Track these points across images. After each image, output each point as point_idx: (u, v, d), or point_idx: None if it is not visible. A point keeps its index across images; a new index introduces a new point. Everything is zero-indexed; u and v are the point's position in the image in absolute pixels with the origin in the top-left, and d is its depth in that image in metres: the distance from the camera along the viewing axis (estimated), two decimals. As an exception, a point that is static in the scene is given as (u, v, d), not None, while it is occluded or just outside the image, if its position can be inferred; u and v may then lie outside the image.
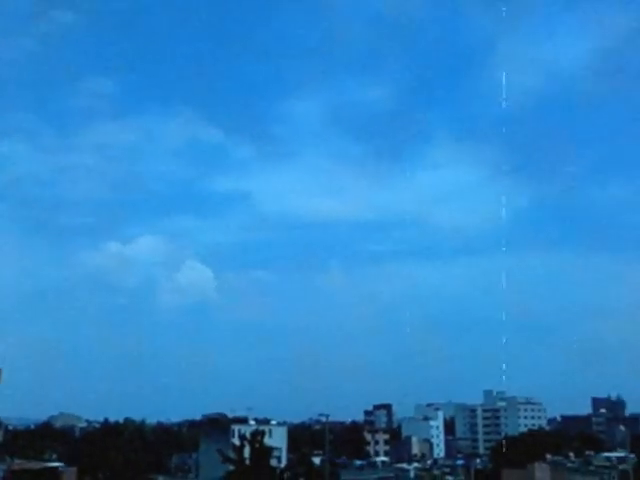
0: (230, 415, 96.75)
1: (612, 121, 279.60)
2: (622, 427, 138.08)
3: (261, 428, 58.74)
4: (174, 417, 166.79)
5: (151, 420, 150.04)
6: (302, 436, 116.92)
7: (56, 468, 79.23)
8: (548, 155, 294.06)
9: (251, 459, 49.73)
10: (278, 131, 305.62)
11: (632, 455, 64.74)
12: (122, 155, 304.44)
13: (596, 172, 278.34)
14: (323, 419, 63.60)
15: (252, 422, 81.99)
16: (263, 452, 50.94)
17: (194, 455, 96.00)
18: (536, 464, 61.27)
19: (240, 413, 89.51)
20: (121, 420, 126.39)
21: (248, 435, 52.42)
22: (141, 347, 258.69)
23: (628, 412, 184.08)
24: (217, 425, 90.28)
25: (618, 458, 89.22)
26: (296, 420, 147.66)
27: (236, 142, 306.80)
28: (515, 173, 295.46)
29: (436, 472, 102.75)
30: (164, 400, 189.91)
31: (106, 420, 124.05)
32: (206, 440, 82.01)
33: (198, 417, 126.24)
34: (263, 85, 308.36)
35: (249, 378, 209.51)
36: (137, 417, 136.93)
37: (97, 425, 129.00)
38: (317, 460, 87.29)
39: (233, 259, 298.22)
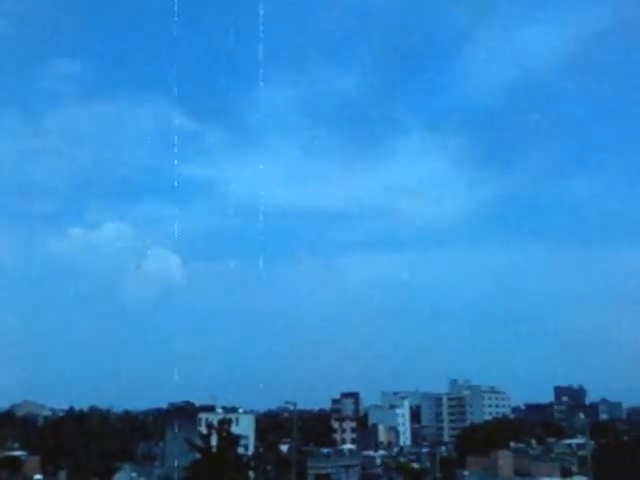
0: (197, 403, 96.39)
1: (580, 115, 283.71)
2: (582, 415, 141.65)
3: (228, 416, 58.72)
4: (141, 405, 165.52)
5: (117, 408, 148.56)
6: (270, 424, 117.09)
7: (18, 457, 78.22)
8: (516, 147, 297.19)
9: (218, 447, 49.72)
10: (248, 119, 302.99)
11: (591, 442, 66.44)
12: (89, 140, 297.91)
13: (563, 165, 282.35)
14: (290, 407, 63.76)
15: (219, 410, 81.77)
16: (230, 440, 50.97)
17: (161, 443, 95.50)
18: (499, 452, 62.38)
19: (207, 401, 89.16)
20: (86, 408, 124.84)
21: (215, 423, 52.39)
22: (107, 335, 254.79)
23: (588, 400, 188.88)
24: (184, 413, 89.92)
25: (578, 445, 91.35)
26: (264, 408, 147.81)
27: (205, 129, 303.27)
28: (484, 165, 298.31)
29: (402, 459, 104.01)
30: (130, 388, 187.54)
31: (71, 408, 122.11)
32: (173, 428, 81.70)
33: (165, 405, 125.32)
34: (235, 72, 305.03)
35: (216, 366, 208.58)
36: (103, 405, 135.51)
37: (61, 413, 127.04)
38: (284, 448, 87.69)
39: (201, 247, 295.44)
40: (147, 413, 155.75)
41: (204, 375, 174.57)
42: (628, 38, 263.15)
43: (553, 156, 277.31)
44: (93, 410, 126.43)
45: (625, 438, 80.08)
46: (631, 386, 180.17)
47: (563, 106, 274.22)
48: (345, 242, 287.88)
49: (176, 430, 79.05)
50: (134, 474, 73.36)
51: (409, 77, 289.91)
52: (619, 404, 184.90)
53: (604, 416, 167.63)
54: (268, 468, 70.47)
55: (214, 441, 50.28)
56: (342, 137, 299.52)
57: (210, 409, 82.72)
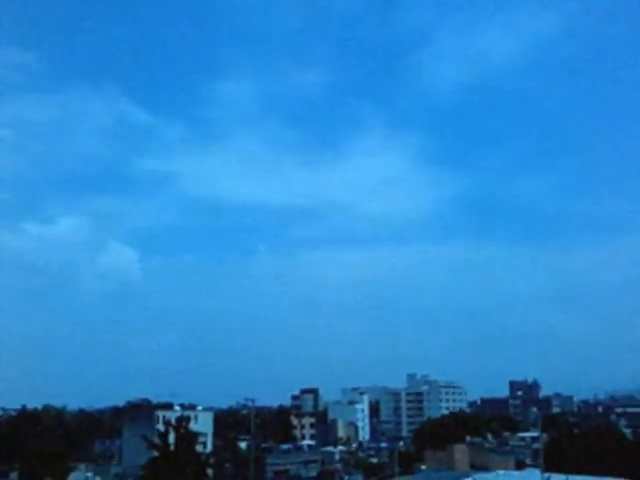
0: (155, 401, 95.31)
1: (535, 115, 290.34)
2: (535, 409, 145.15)
3: (186, 414, 58.21)
4: (97, 403, 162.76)
5: (72, 407, 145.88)
6: (229, 421, 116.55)
7: (-32, 458, 75.92)
8: (475, 146, 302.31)
9: (176, 445, 49.25)
10: (209, 113, 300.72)
11: (544, 434, 68.07)
12: (43, 131, 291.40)
13: (520, 164, 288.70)
14: (250, 404, 63.57)
15: (177, 408, 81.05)
16: (188, 438, 50.52)
17: (117, 442, 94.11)
18: (455, 446, 63.37)
19: (165, 399, 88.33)
20: (40, 407, 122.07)
21: (173, 421, 51.85)
22: (62, 331, 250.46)
23: (542, 394, 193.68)
24: (141, 411, 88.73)
25: (532, 437, 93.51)
26: (223, 405, 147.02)
27: (165, 123, 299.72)
28: (443, 163, 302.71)
29: (361, 455, 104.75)
30: (86, 386, 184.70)
31: (23, 407, 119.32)
32: (130, 426, 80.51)
33: (122, 403, 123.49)
34: (195, 66, 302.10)
35: (175, 363, 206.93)
36: (57, 404, 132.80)
37: (13, 413, 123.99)
38: (244, 445, 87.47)
39: (159, 242, 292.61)
40: (103, 411, 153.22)
41: (162, 372, 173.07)
42: (579, 41, 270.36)
43: (510, 155, 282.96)
44: (47, 409, 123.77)
45: (576, 430, 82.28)
46: (582, 380, 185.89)
47: (519, 106, 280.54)
48: (305, 238, 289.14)
49: (133, 428, 77.96)
50: (89, 474, 72.08)
51: (370, 75, 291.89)
52: (570, 397, 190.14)
53: (556, 409, 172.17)
54: (227, 465, 70.14)
55: (172, 439, 49.79)
56: (303, 133, 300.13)
57: (168, 406, 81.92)
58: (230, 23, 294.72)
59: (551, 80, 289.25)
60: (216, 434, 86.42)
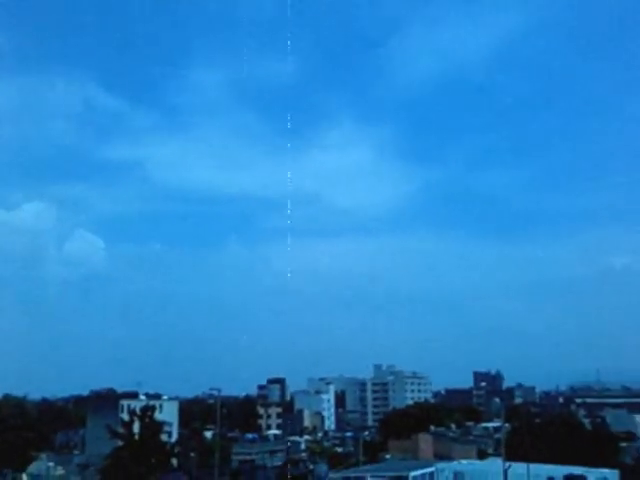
0: (119, 390, 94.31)
1: (504, 110, 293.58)
2: (497, 399, 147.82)
3: (152, 403, 57.84)
4: (60, 393, 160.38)
5: (35, 396, 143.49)
6: (195, 411, 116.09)
7: None
8: (444, 139, 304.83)
9: (140, 434, 48.91)
10: (178, 101, 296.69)
11: (506, 424, 69.34)
12: (6, 116, 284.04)
13: (487, 158, 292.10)
14: (216, 393, 63.28)
15: (142, 397, 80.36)
16: (153, 427, 50.25)
17: (80, 431, 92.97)
18: (420, 435, 64.28)
19: (130, 388, 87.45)
20: (0, 397, 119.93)
21: (138, 410, 51.46)
22: (25, 319, 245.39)
23: (505, 385, 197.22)
24: (105, 400, 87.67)
25: (494, 428, 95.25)
26: (189, 395, 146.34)
27: (133, 109, 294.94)
28: (412, 156, 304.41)
29: (326, 444, 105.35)
30: (49, 375, 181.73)
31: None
32: (93, 416, 79.57)
33: (86, 392, 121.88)
34: (164, 53, 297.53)
35: (140, 353, 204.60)
36: (18, 393, 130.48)
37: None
38: (209, 434, 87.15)
39: (127, 230, 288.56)
40: (67, 401, 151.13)
41: (128, 361, 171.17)
42: (550, 37, 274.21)
43: (478, 148, 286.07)
44: (7, 398, 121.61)
45: (537, 420, 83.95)
46: (544, 371, 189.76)
47: (489, 100, 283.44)
48: (273, 229, 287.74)
49: (97, 418, 77.05)
50: (51, 463, 71.01)
51: (341, 67, 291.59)
52: (533, 388, 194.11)
53: (519, 400, 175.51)
54: (192, 455, 69.81)
55: (137, 428, 49.42)
56: (273, 123, 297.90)
57: (133, 396, 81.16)
58: (201, 11, 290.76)
59: (520, 74, 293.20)
60: (181, 423, 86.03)
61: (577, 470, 40.53)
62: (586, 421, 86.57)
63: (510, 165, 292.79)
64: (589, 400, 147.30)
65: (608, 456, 56.86)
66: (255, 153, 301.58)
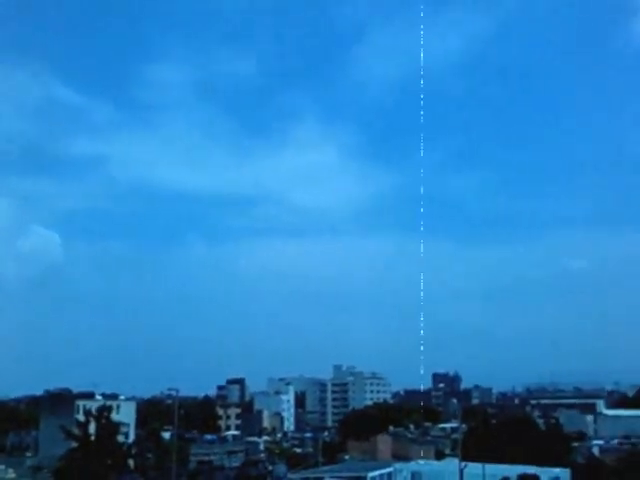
0: (75, 390, 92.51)
1: (467, 115, 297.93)
2: (455, 400, 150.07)
3: (108, 403, 56.85)
4: (12, 392, 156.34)
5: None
6: (152, 411, 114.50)
7: None
8: (408, 142, 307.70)
9: (96, 435, 48.07)
10: (142, 97, 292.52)
11: (463, 425, 70.34)
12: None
13: (449, 162, 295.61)
14: (173, 394, 62.46)
15: (99, 397, 78.90)
16: (109, 428, 49.43)
17: (33, 432, 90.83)
18: (379, 436, 64.78)
19: (86, 388, 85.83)
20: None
21: (94, 411, 50.57)
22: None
23: (463, 386, 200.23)
24: (60, 400, 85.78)
25: (452, 428, 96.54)
26: (147, 395, 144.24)
27: (96, 104, 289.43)
28: (376, 157, 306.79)
29: (285, 445, 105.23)
30: (1, 375, 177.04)
31: None
32: (48, 416, 77.74)
33: (39, 392, 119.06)
34: (129, 48, 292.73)
35: (97, 352, 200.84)
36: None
37: None
38: (167, 435, 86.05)
39: (85, 227, 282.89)
40: (19, 401, 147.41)
41: (84, 361, 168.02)
42: (513, 43, 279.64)
43: (440, 152, 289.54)
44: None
45: (493, 421, 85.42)
46: (501, 373, 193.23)
47: (452, 104, 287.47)
48: (236, 228, 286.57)
49: (51, 418, 75.35)
50: (2, 466, 69.18)
51: (308, 67, 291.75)
52: (490, 390, 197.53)
53: (476, 401, 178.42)
54: (149, 456, 68.86)
55: (93, 429, 48.54)
56: (238, 121, 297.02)
57: (89, 396, 79.68)
58: (166, 6, 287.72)
59: (482, 80, 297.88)
60: (139, 424, 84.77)
61: (531, 469, 41.39)
62: (540, 422, 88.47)
63: (470, 169, 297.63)
64: (544, 401, 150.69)
65: (561, 455, 58.23)
66: (219, 151, 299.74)
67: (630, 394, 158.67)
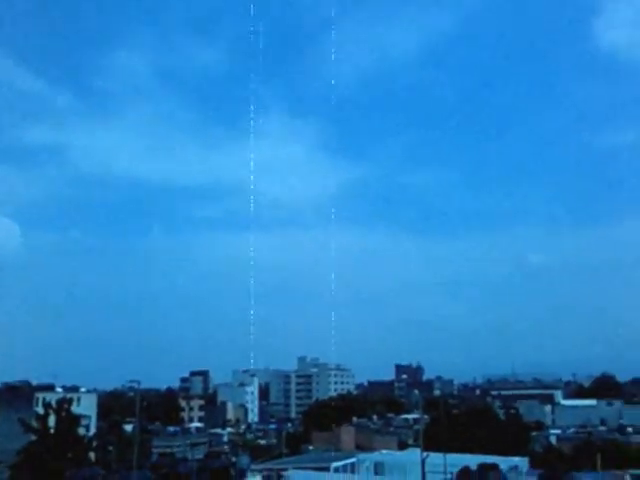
0: (34, 382, 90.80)
1: (432, 109, 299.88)
2: (416, 391, 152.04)
3: (69, 396, 55.97)
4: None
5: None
6: (114, 403, 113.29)
7: None
8: (373, 135, 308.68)
9: (56, 428, 47.29)
10: (103, 85, 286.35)
11: (425, 416, 71.31)
12: None
13: (413, 156, 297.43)
14: (135, 385, 61.87)
15: (59, 390, 77.55)
16: (70, 421, 48.68)
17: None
18: (342, 427, 65.19)
19: (46, 380, 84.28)
20: None
21: (54, 403, 49.73)
22: None
23: (425, 378, 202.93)
24: (18, 393, 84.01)
25: (414, 419, 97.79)
26: (109, 387, 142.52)
27: (55, 91, 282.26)
28: (342, 151, 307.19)
29: (249, 436, 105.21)
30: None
31: None
32: (5, 409, 75.82)
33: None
34: (90, 34, 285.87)
35: (58, 344, 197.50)
36: None
37: None
38: (129, 428, 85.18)
39: (45, 217, 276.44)
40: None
41: (44, 353, 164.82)
42: (478, 39, 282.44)
43: (405, 147, 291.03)
44: None
45: (455, 412, 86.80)
46: (461, 364, 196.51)
47: (418, 99, 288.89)
48: (201, 219, 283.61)
49: (9, 411, 73.76)
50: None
51: (274, 59, 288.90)
52: (451, 381, 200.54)
53: (438, 392, 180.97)
54: (110, 448, 68.10)
55: (52, 422, 47.73)
56: (203, 112, 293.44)
57: (49, 388, 78.22)
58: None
59: (447, 76, 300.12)
60: (100, 417, 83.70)
61: (491, 459, 42.17)
62: (501, 412, 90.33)
63: (435, 163, 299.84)
64: (504, 392, 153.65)
65: (520, 445, 59.60)
66: (184, 141, 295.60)
67: (586, 385, 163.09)
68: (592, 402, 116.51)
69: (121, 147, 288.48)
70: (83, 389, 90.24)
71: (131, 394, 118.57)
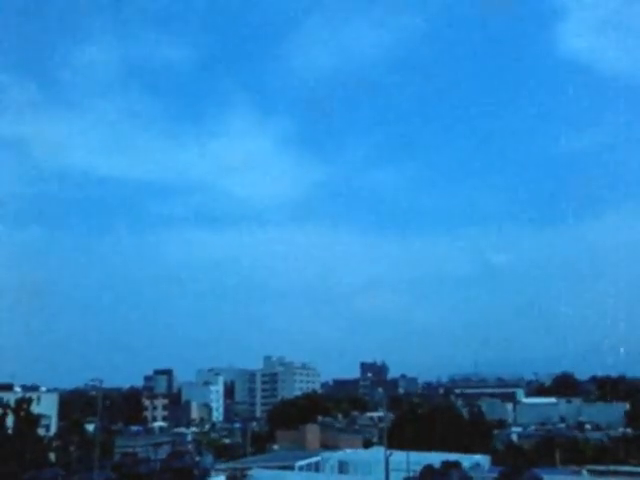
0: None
1: (399, 109, 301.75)
2: (380, 389, 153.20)
3: (28, 395, 54.84)
4: None
5: None
6: (76, 403, 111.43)
7: None
8: (341, 134, 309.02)
9: (15, 429, 46.34)
10: (65, 77, 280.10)
11: (390, 414, 71.90)
12: None
13: (379, 155, 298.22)
14: (97, 384, 60.92)
15: (18, 389, 75.84)
16: (29, 421, 47.75)
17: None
18: (307, 425, 65.16)
19: (3, 380, 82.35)
20: None
21: (12, 403, 48.70)
22: None
23: (390, 376, 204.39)
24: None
25: (379, 417, 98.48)
26: (70, 386, 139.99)
27: (14, 83, 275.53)
28: (309, 149, 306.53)
29: (214, 435, 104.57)
30: None
31: None
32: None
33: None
34: (54, 27, 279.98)
35: (16, 343, 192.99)
36: None
37: None
38: (91, 427, 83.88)
39: (3, 213, 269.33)
40: None
41: (1, 352, 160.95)
42: (442, 41, 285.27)
43: (371, 146, 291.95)
44: None
45: (419, 410, 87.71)
46: (426, 363, 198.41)
47: (383, 99, 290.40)
48: (164, 216, 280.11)
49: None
50: None
51: (240, 55, 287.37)
52: (415, 379, 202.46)
53: (402, 390, 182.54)
54: (71, 449, 66.95)
55: (11, 422, 46.75)
56: (167, 107, 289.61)
57: (7, 388, 76.42)
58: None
59: (412, 77, 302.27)
60: (61, 416, 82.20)
61: (453, 457, 42.66)
62: (464, 410, 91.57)
63: (399, 163, 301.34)
64: (467, 391, 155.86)
65: (483, 442, 60.51)
66: (146, 136, 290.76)
67: (547, 383, 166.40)
68: (552, 400, 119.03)
69: (84, 141, 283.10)
70: (43, 388, 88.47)
71: (93, 393, 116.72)
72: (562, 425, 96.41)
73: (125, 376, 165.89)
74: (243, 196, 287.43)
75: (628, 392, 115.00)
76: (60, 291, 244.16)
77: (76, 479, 48.93)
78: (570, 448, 61.26)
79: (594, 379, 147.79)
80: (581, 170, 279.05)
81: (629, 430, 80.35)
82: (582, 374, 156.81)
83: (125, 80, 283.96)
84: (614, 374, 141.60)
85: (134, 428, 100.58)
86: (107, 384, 77.04)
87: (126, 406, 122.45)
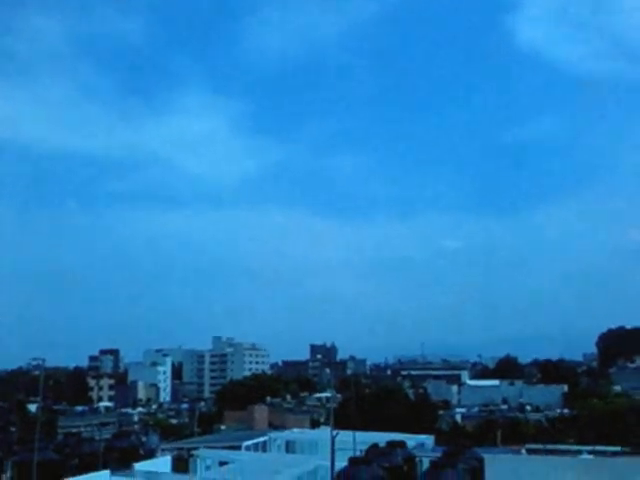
0: None
1: (355, 95, 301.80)
2: (327, 370, 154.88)
3: (-33, 374, 53.22)
4: None
5: None
6: (18, 382, 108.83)
7: None
8: (295, 118, 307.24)
9: (-48, 408, 44.90)
10: (11, 46, 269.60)
11: (338, 395, 72.73)
12: None
13: (334, 140, 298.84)
14: (40, 363, 59.63)
15: (-43, 368, 73.59)
16: (-32, 400, 46.33)
17: None
18: (255, 406, 65.26)
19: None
20: None
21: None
22: None
23: (339, 358, 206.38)
24: None
25: (327, 398, 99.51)
26: (12, 366, 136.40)
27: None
28: (264, 131, 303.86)
29: (161, 416, 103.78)
30: None
31: None
32: None
33: None
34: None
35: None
36: None
37: None
38: (34, 408, 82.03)
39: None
40: None
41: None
42: (399, 26, 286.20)
43: (326, 131, 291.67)
44: None
45: (367, 391, 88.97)
46: (374, 345, 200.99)
47: (340, 84, 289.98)
48: (118, 193, 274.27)
49: None
50: None
51: (195, 33, 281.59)
52: (364, 361, 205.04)
53: (350, 372, 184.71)
54: (13, 429, 65.44)
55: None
56: (120, 82, 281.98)
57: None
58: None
59: (368, 62, 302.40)
60: (2, 396, 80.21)
61: (399, 437, 43.35)
62: (410, 391, 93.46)
63: (355, 148, 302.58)
64: (414, 372, 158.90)
65: (428, 423, 61.85)
66: (96, 110, 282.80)
67: (491, 366, 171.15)
68: (495, 382, 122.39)
69: (33, 115, 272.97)
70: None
71: (36, 372, 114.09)
72: (504, 406, 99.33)
73: (71, 356, 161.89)
74: (197, 174, 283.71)
75: (566, 375, 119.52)
76: (3, 269, 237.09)
77: (16, 460, 47.92)
78: (511, 428, 63.28)
79: (536, 362, 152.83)
80: (532, 160, 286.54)
81: (566, 411, 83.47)
82: (524, 357, 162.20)
83: (76, 52, 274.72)
84: (554, 357, 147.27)
85: (79, 408, 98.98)
86: (51, 363, 75.64)
87: (71, 386, 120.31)
